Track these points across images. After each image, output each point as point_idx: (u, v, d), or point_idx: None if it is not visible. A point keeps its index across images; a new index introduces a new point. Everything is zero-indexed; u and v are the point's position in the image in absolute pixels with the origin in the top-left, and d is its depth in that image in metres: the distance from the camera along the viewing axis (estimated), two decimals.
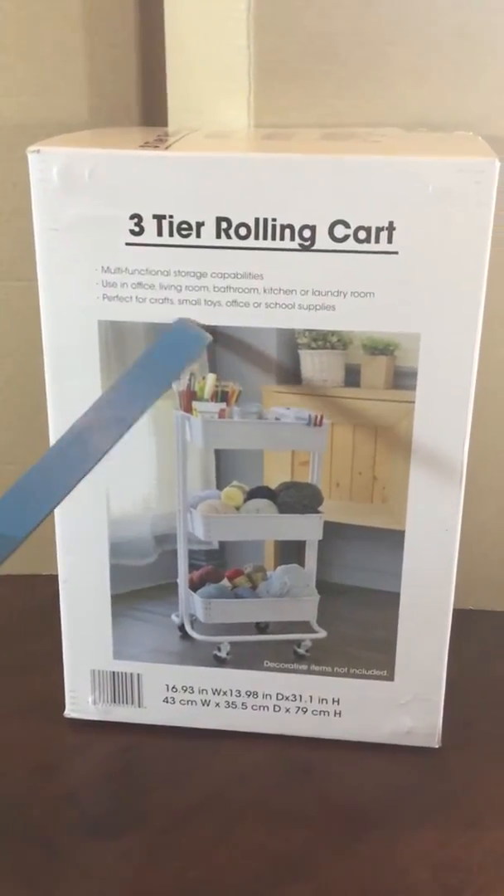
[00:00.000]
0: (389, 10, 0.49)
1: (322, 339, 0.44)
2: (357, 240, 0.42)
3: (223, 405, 0.45)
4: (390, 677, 0.49)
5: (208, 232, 0.42)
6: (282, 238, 0.42)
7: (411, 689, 0.49)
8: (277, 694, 0.50)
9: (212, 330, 0.43)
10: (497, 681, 0.56)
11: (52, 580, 0.50)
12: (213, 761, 0.50)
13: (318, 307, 0.43)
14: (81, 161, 0.42)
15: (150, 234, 0.43)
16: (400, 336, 0.43)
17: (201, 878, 0.43)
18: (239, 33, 0.50)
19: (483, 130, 0.48)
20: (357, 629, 0.48)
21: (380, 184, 0.41)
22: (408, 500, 0.46)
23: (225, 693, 0.50)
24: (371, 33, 0.50)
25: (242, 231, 0.42)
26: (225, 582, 0.49)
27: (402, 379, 0.44)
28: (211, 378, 0.45)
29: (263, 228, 0.42)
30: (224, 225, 0.42)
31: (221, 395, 0.45)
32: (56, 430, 0.46)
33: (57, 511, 0.48)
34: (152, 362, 0.43)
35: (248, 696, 0.50)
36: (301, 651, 0.49)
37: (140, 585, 0.49)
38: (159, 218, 0.43)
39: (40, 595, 0.61)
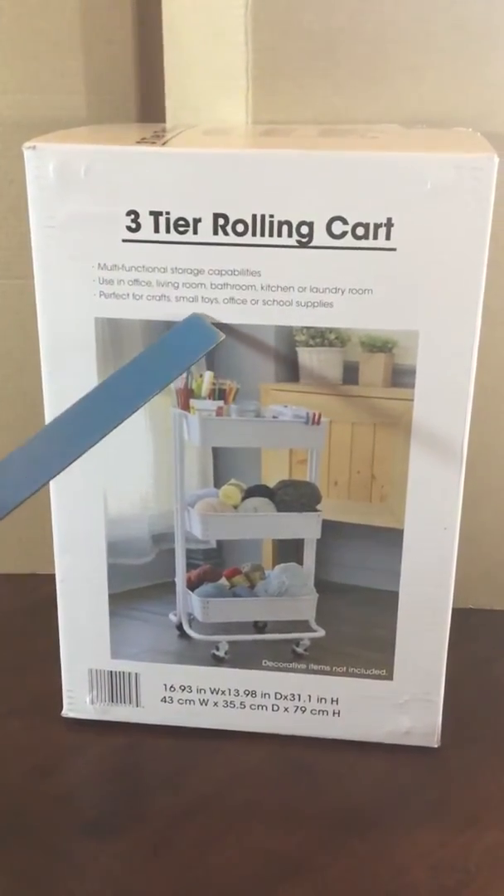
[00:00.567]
0: (387, 6, 0.49)
1: (320, 337, 0.44)
2: (355, 236, 0.42)
3: (221, 403, 0.45)
4: (389, 677, 0.49)
5: (205, 228, 0.42)
6: (279, 234, 0.42)
7: (410, 689, 0.49)
8: (276, 693, 0.50)
9: (218, 328, 0.43)
10: (497, 681, 0.55)
11: (50, 579, 0.50)
12: (212, 761, 0.49)
13: (315, 304, 0.43)
14: (77, 157, 0.42)
15: (146, 231, 0.43)
16: (398, 333, 0.43)
17: (200, 878, 0.43)
18: (237, 30, 0.50)
19: (482, 127, 0.48)
20: (356, 628, 0.48)
21: (378, 180, 0.41)
22: (406, 499, 0.46)
23: (223, 692, 0.50)
24: (369, 30, 0.49)
25: (240, 227, 0.42)
26: (223, 581, 0.49)
27: (401, 376, 0.44)
28: (208, 375, 0.45)
29: (261, 225, 0.42)
30: (221, 221, 0.42)
31: (219, 393, 0.45)
32: None
33: (54, 510, 0.48)
34: (161, 353, 0.42)
35: (247, 695, 0.50)
36: (300, 650, 0.49)
37: (138, 585, 0.49)
38: (156, 214, 0.42)
39: (37, 594, 0.61)
